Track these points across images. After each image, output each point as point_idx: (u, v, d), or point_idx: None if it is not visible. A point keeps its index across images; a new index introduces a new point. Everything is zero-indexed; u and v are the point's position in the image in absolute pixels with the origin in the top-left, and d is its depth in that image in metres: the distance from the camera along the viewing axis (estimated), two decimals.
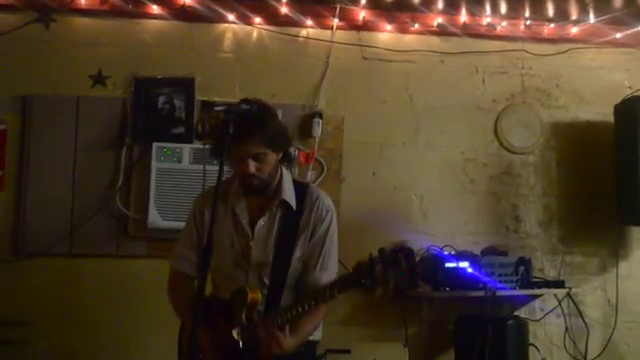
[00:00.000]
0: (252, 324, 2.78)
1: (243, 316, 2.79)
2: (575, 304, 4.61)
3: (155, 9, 4.47)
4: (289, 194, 2.94)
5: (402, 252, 2.40)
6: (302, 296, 2.81)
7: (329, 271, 2.94)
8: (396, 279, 2.39)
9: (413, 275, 2.41)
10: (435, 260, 4.32)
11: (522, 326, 4.28)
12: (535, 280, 4.47)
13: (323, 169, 4.56)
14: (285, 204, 2.93)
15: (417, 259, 4.43)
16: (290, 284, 2.94)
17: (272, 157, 2.85)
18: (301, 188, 3.01)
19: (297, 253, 2.92)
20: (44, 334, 4.27)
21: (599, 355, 4.61)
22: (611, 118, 4.63)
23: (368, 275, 2.43)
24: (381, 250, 2.46)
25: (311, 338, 2.96)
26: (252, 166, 2.79)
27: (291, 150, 3.00)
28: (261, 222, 2.92)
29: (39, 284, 4.31)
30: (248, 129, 2.71)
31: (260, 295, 2.83)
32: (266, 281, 2.91)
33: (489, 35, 4.72)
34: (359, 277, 2.47)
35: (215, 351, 2.80)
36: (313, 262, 2.93)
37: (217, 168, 2.64)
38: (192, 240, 3.04)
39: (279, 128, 2.89)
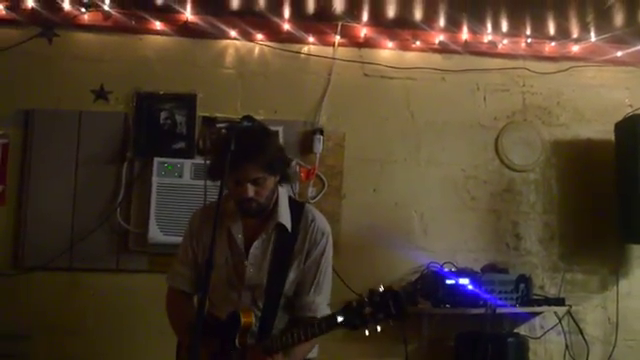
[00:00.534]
0: (245, 348, 2.79)
1: (237, 341, 2.79)
2: (575, 322, 4.60)
3: (158, 25, 4.49)
4: (285, 216, 2.92)
5: (391, 297, 2.44)
6: (294, 324, 2.84)
7: (323, 294, 2.95)
8: (385, 322, 2.45)
9: (401, 318, 2.45)
10: (435, 277, 4.32)
11: (522, 343, 4.28)
12: (535, 297, 4.46)
13: (324, 185, 4.56)
14: (281, 226, 2.92)
15: (417, 276, 4.45)
16: (283, 305, 2.94)
17: (271, 181, 2.83)
18: (297, 208, 2.99)
19: (291, 276, 2.92)
20: (44, 348, 4.26)
21: None
22: (612, 136, 4.64)
23: (356, 316, 2.49)
24: (371, 292, 2.49)
25: (308, 356, 2.96)
26: (251, 190, 2.77)
27: (289, 171, 2.98)
28: (256, 244, 2.91)
29: (39, 298, 4.31)
30: (248, 153, 2.70)
31: (253, 318, 2.84)
32: (259, 303, 2.91)
33: (490, 53, 4.74)
34: (348, 317, 2.52)
35: None
36: (308, 285, 2.93)
37: (218, 184, 2.65)
38: (188, 257, 3.03)
39: (278, 152, 2.87)
